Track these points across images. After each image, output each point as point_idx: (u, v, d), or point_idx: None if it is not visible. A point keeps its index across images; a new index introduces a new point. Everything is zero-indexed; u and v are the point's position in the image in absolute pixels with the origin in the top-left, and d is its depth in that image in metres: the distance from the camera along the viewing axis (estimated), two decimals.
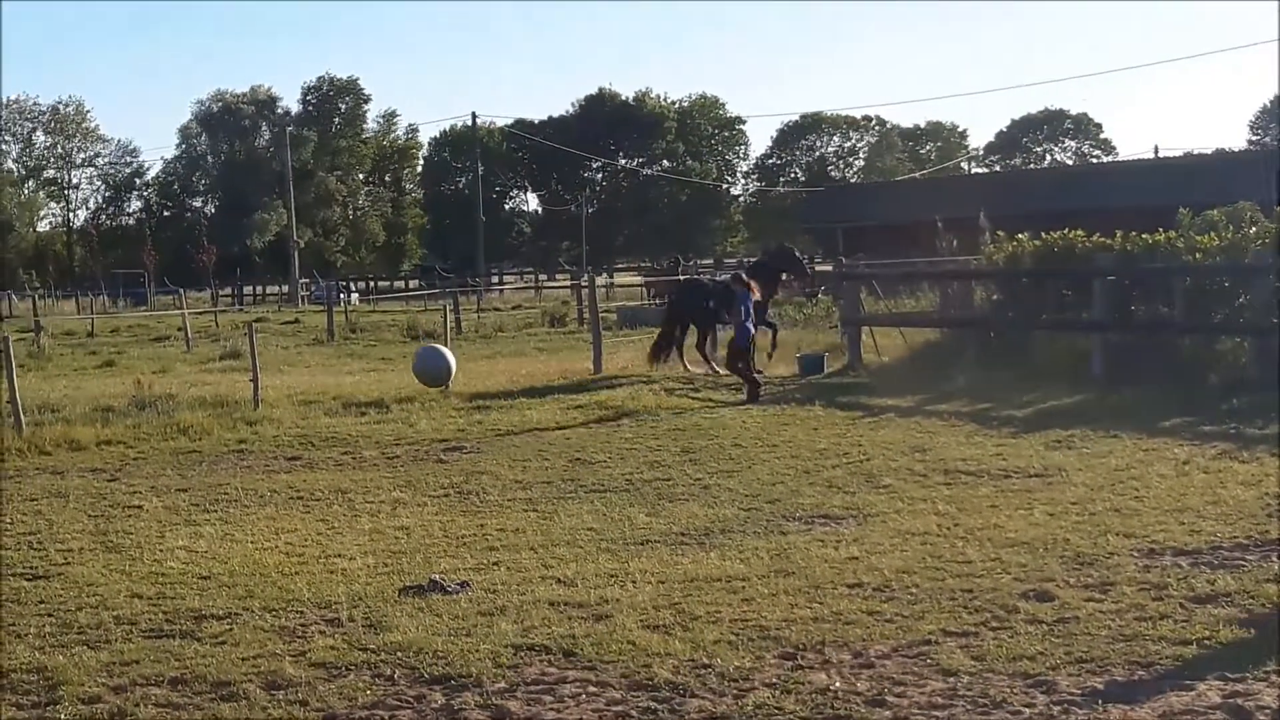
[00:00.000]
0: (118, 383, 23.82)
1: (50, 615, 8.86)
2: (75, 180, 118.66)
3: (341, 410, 19.29)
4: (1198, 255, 18.47)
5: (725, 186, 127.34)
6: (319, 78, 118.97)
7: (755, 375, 19.88)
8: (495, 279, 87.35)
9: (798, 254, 24.03)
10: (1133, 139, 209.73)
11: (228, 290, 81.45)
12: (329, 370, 27.77)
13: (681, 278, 49.41)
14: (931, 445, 14.58)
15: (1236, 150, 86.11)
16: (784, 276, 25.13)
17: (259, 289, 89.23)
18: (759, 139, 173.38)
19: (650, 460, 14.53)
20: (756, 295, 20.76)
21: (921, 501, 11.58)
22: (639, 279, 63.15)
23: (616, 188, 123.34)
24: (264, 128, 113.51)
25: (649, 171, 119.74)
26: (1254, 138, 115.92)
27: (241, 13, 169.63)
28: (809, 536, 10.42)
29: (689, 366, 23.31)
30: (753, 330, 20.27)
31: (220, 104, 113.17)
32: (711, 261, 73.36)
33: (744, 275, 21.61)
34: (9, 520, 12.29)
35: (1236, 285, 18.26)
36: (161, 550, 10.74)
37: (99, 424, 17.83)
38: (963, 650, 7.45)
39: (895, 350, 23.23)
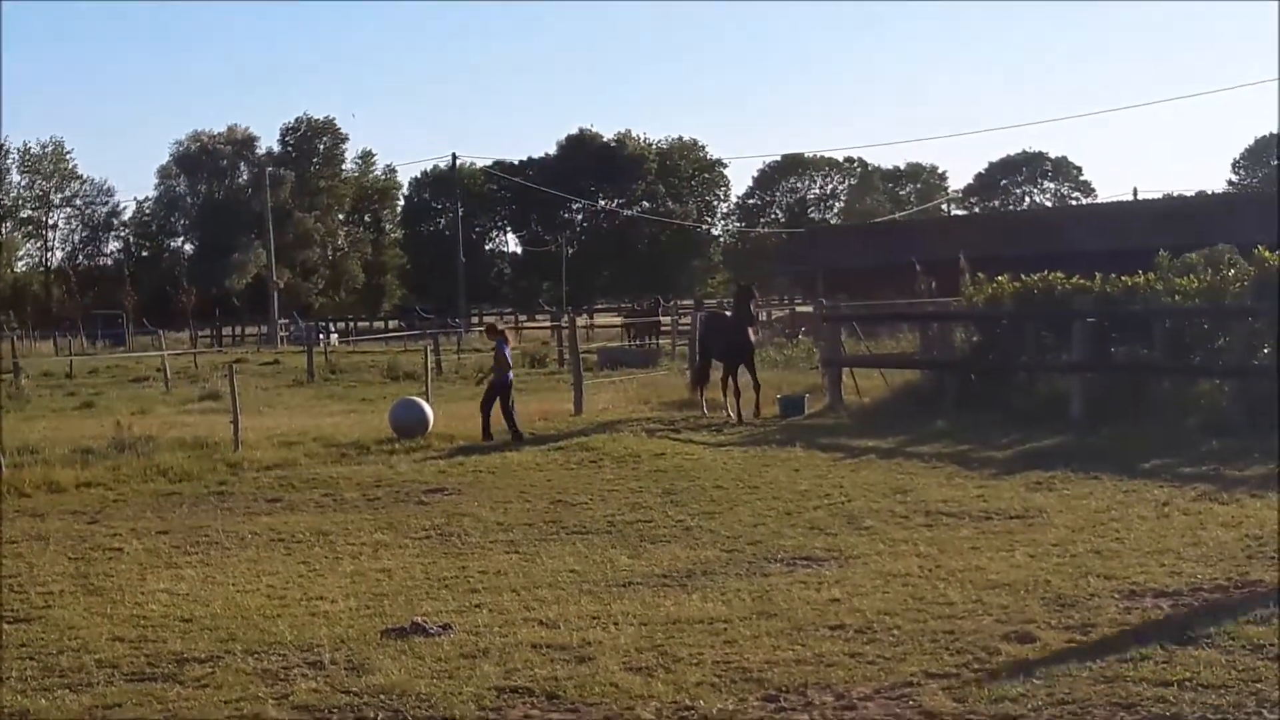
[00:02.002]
0: (97, 424, 23.71)
1: (32, 659, 8.81)
2: (53, 220, 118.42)
3: (322, 452, 19.27)
4: (1177, 297, 18.62)
5: (705, 227, 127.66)
6: (297, 118, 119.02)
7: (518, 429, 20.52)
8: (476, 320, 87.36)
9: (752, 297, 23.83)
10: (1112, 181, 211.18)
11: (207, 331, 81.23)
12: (309, 411, 27.73)
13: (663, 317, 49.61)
14: (913, 487, 14.62)
15: (1216, 193, 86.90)
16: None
17: (238, 330, 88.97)
18: (739, 180, 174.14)
19: (632, 502, 14.54)
20: (511, 343, 21.71)
21: (903, 543, 11.60)
22: (619, 319, 63.20)
23: (597, 228, 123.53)
24: (242, 168, 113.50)
25: (629, 212, 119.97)
26: (1234, 179, 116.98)
27: (220, 53, 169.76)
28: (791, 578, 10.44)
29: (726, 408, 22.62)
30: (509, 378, 21.18)
31: (198, 144, 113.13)
32: (692, 302, 73.52)
33: (499, 325, 22.94)
34: None
35: (1215, 327, 18.41)
36: (143, 593, 10.69)
37: (79, 466, 17.76)
38: (945, 692, 7.45)
39: (876, 391, 23.32)
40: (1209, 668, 7.60)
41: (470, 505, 14.68)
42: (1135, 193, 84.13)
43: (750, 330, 23.32)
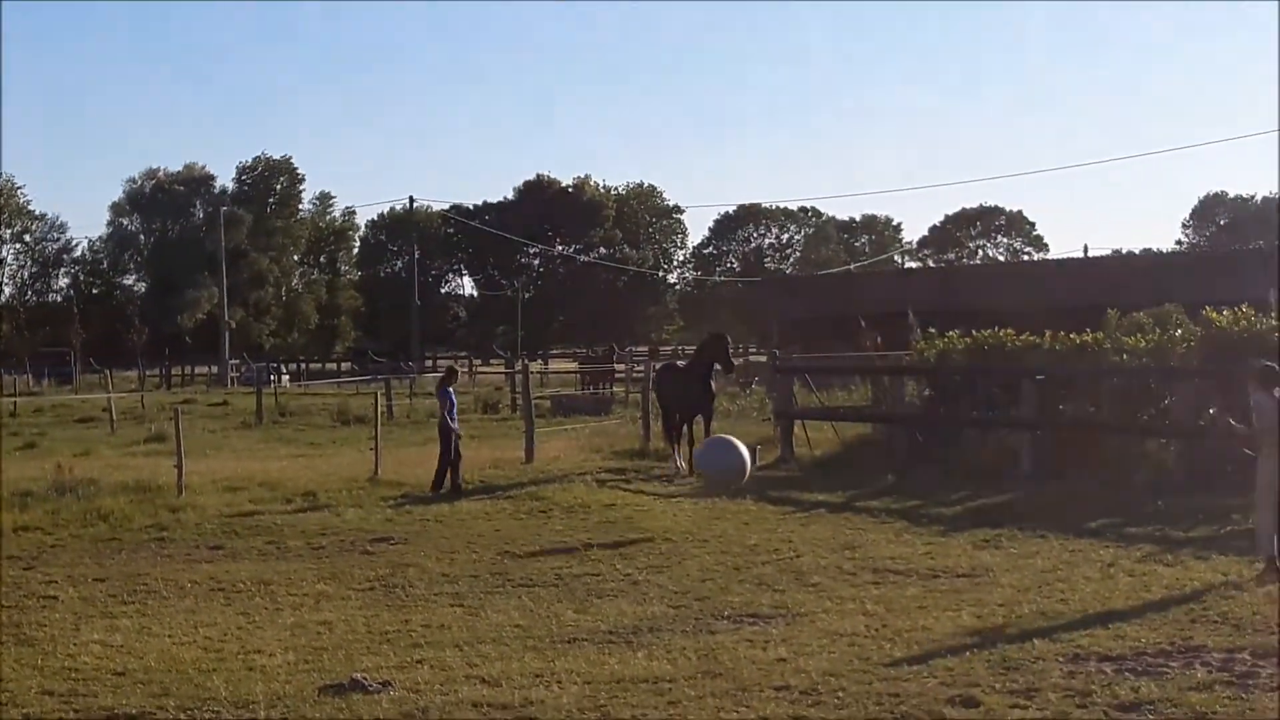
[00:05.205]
0: (38, 466, 23.37)
1: None
2: (1, 255, 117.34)
3: (267, 498, 19.04)
4: (1125, 356, 18.71)
5: (662, 274, 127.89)
6: (254, 157, 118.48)
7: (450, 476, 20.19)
8: (429, 363, 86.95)
9: (725, 341, 23.56)
10: (1064, 237, 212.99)
11: (156, 371, 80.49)
12: (256, 455, 27.43)
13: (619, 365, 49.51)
14: (861, 543, 14.59)
15: (1165, 251, 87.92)
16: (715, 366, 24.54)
17: (188, 369, 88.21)
18: (696, 228, 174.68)
19: (580, 554, 14.42)
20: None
21: (850, 601, 11.55)
22: (574, 365, 63.04)
23: (553, 273, 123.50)
24: (198, 206, 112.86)
25: (586, 258, 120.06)
26: (1182, 238, 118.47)
27: (179, 92, 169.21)
28: (737, 636, 10.36)
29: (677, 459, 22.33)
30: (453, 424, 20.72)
31: (153, 182, 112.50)
32: (647, 349, 73.31)
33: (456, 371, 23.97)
34: None
35: (1162, 387, 18.50)
36: (76, 644, 10.50)
37: (17, 509, 17.49)
38: None
39: (828, 444, 23.29)
40: None
41: (416, 555, 14.53)
42: (1085, 249, 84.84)
43: (712, 381, 23.13)
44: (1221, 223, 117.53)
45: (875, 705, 8.32)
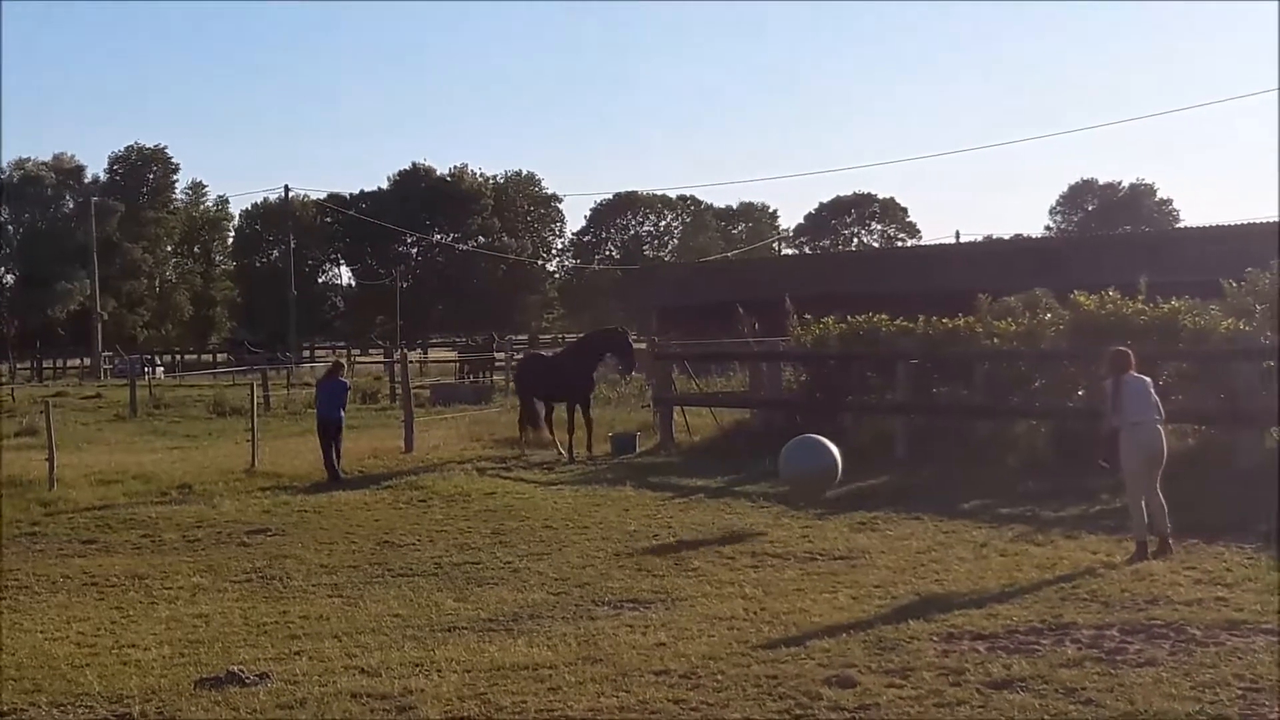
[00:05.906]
0: None
1: None
2: None
3: (142, 490, 18.77)
4: (995, 340, 19.06)
5: (541, 263, 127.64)
6: (127, 147, 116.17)
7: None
8: (307, 354, 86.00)
9: (627, 338, 23.94)
10: (936, 224, 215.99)
11: (27, 363, 78.71)
12: (130, 448, 26.99)
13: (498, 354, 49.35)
14: (740, 527, 14.71)
15: (1035, 237, 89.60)
16: (606, 356, 24.69)
17: (60, 362, 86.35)
18: (574, 217, 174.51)
19: (460, 543, 14.41)
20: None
21: (729, 585, 11.65)
22: (455, 355, 62.69)
23: (432, 263, 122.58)
24: (68, 197, 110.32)
25: (464, 247, 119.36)
26: (1051, 224, 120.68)
27: (47, 80, 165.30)
28: (617, 622, 10.41)
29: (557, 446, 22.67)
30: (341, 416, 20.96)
31: (21, 173, 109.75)
32: (526, 338, 73.16)
33: (341, 364, 23.81)
34: None
35: (1032, 370, 18.87)
36: None
37: None
38: None
39: (706, 430, 23.46)
40: (1022, 712, 7.74)
41: (294, 547, 14.41)
42: (958, 235, 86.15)
43: (593, 372, 23.45)
44: (1090, 209, 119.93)
45: (754, 687, 8.41)
